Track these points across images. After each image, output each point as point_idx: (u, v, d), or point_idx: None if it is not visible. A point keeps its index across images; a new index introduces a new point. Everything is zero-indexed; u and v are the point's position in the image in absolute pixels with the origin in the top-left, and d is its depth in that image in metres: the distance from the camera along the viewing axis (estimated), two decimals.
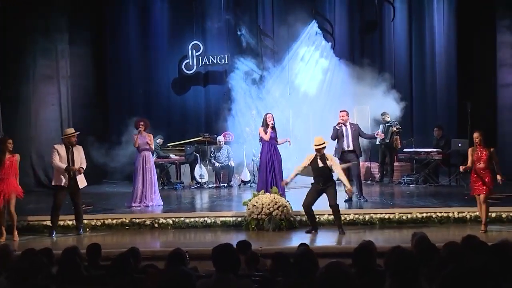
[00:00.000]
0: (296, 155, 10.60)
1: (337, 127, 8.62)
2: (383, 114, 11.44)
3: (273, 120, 8.40)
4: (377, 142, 11.38)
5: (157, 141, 11.28)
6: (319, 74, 12.40)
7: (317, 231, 7.12)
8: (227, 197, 10.19)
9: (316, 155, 7.04)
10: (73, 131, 7.55)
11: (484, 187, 6.67)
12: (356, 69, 11.88)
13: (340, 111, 8.69)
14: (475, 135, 6.69)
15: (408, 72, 12.88)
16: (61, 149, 7.39)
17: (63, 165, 7.30)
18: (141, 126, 8.87)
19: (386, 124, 11.37)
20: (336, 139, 8.63)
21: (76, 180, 7.39)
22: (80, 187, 7.47)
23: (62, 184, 7.35)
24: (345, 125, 8.61)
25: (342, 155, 8.56)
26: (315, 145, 7.00)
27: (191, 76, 13.22)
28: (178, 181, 11.73)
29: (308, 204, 7.05)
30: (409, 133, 12.20)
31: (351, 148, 8.56)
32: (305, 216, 7.29)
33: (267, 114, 8.50)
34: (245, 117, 11.99)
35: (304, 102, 12.17)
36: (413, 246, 3.90)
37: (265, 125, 8.38)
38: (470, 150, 6.86)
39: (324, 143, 7.02)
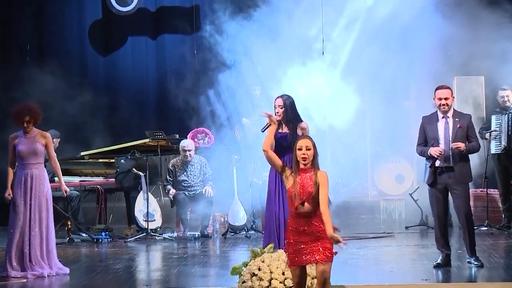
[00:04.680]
0: (336, 173, 10.52)
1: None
2: (502, 91, 11.45)
3: (288, 107, 8.66)
4: (493, 151, 11.41)
5: None
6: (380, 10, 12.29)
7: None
8: (200, 258, 10.16)
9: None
10: None
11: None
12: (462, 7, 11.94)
13: (438, 89, 8.83)
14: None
15: None
16: None
17: None
18: (26, 120, 8.83)
19: (509, 113, 11.38)
20: (423, 148, 8.82)
21: None
22: None
23: None
24: (446, 117, 8.75)
25: (434, 176, 8.69)
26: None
27: (128, 18, 13.35)
28: (101, 226, 11.76)
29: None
30: None
31: (449, 163, 8.64)
32: None
33: (276, 98, 8.85)
34: (239, 101, 12.04)
35: (353, 69, 12.12)
36: None
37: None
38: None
39: None
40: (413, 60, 12.03)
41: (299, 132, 8.55)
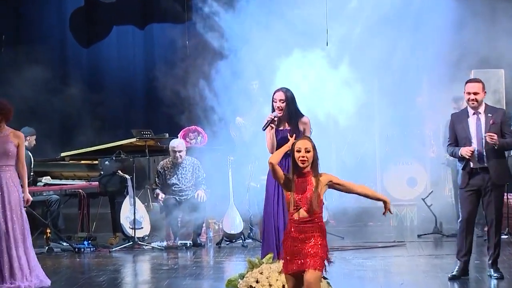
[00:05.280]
0: (342, 176, 10.35)
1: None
2: None
3: (289, 101, 8.63)
4: None
5: (25, 143, 10.85)
6: None
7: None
8: (192, 269, 10.16)
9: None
10: None
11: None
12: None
13: (469, 82, 8.86)
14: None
15: None
16: None
17: None
18: None
19: None
20: (453, 148, 8.81)
21: None
22: None
23: None
24: (477, 113, 8.72)
25: (468, 179, 8.66)
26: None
27: (113, 6, 13.37)
28: (83, 234, 11.72)
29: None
30: None
31: (483, 163, 8.60)
32: None
33: (275, 91, 8.86)
34: (236, 96, 11.88)
35: (359, 60, 11.87)
36: None
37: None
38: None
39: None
40: (425, 52, 12.03)
41: (301, 127, 8.50)
